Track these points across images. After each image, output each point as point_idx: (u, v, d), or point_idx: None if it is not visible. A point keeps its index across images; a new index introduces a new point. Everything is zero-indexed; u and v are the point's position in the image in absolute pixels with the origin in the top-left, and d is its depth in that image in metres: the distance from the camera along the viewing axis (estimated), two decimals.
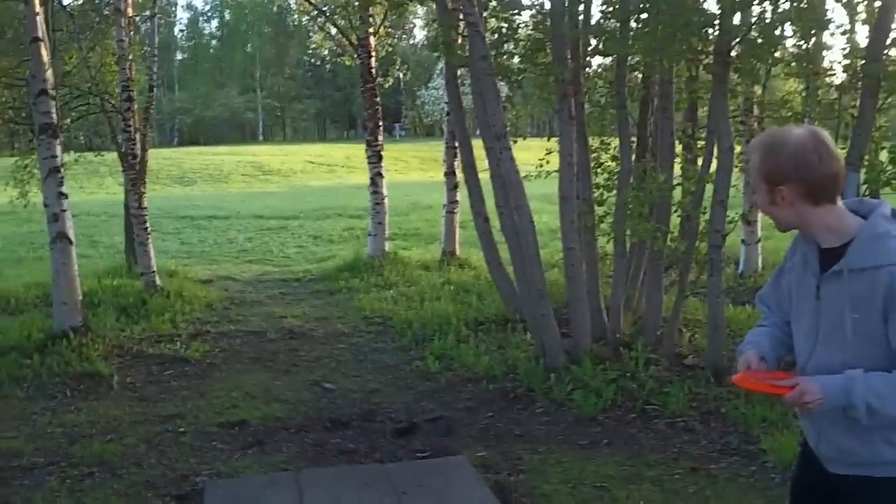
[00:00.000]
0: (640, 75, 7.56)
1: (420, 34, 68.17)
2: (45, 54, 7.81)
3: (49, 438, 5.51)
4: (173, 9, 71.61)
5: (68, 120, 11.15)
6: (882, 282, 2.08)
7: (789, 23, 5.90)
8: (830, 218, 2.20)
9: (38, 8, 7.76)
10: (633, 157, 7.21)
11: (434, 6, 8.00)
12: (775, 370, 2.37)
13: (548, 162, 7.51)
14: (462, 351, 7.19)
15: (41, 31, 7.80)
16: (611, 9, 6.82)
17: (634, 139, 7.49)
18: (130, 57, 10.45)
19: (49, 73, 7.89)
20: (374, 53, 12.85)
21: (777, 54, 6.56)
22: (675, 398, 5.61)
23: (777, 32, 5.85)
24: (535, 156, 8.42)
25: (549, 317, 6.54)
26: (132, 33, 11.23)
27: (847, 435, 2.23)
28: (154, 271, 10.46)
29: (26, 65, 8.49)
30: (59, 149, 7.97)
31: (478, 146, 7.43)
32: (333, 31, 14.37)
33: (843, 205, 2.22)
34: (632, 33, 6.42)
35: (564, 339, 6.72)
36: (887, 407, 2.10)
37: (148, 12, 12.53)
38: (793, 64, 6.92)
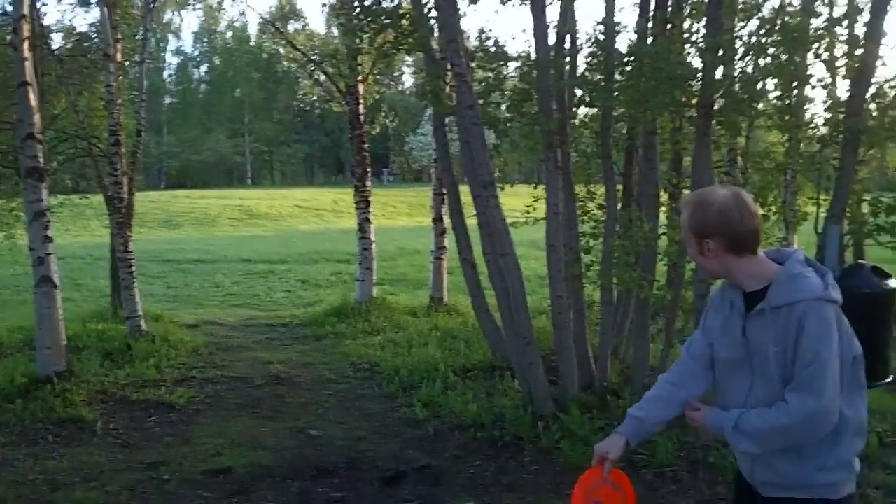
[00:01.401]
0: (624, 126, 7.69)
1: (409, 80, 68.90)
2: (32, 98, 7.87)
3: (31, 486, 5.44)
4: (162, 54, 72.14)
5: (55, 163, 11.18)
6: (796, 314, 2.35)
7: (771, 77, 6.03)
8: (751, 266, 2.48)
9: (26, 53, 7.83)
10: (619, 205, 7.30)
11: (422, 56, 8.11)
12: (626, 484, 2.65)
13: (535, 209, 7.57)
14: (449, 398, 7.18)
15: (29, 75, 7.86)
16: (595, 61, 6.96)
17: (620, 188, 7.58)
18: (119, 101, 10.52)
19: (36, 118, 7.94)
20: (362, 101, 12.99)
21: (760, 107, 6.70)
22: (662, 448, 5.60)
23: (759, 87, 5.98)
24: (522, 202, 8.49)
25: (537, 365, 6.55)
26: (121, 78, 11.32)
27: (783, 460, 2.47)
28: (140, 315, 10.41)
29: (14, 108, 8.54)
30: (45, 192, 7.99)
31: (465, 192, 7.49)
32: (322, 77, 14.53)
33: (762, 254, 2.50)
34: (616, 85, 6.53)
35: (552, 386, 6.73)
36: (756, 434, 2.42)
37: (137, 57, 12.61)
38: (775, 117, 7.05)
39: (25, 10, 7.85)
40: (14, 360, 8.84)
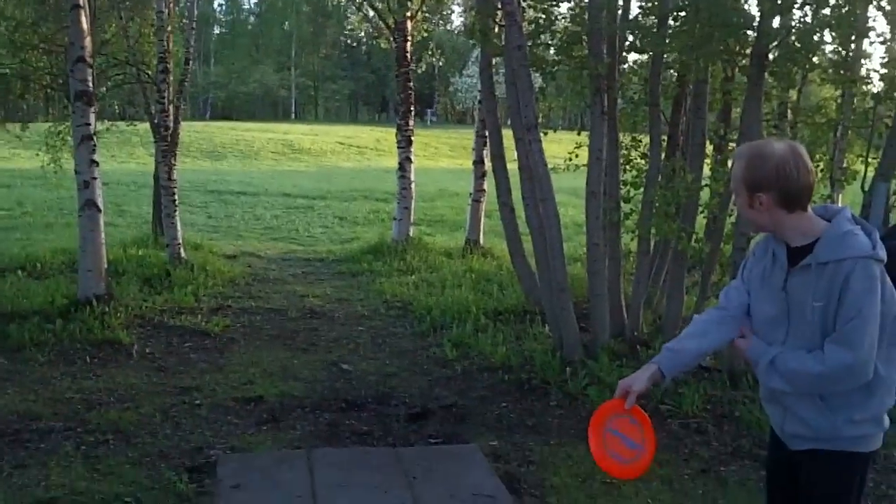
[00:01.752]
0: (674, 73, 7.50)
1: (458, 20, 67.92)
2: (84, 22, 7.87)
3: (67, 403, 5.59)
4: None
5: (104, 88, 11.25)
6: (843, 271, 2.34)
7: (828, 29, 5.81)
8: (801, 222, 2.45)
9: None
10: (663, 155, 7.16)
11: None
12: (647, 422, 2.56)
13: (577, 156, 7.47)
14: (480, 340, 7.20)
15: None
16: (649, 5, 6.77)
17: (665, 138, 7.43)
18: (169, 28, 10.53)
19: (87, 41, 7.95)
20: (410, 38, 12.83)
21: (815, 60, 6.47)
22: (689, 399, 5.58)
23: (816, 38, 5.76)
24: (565, 149, 8.38)
25: (569, 311, 6.53)
26: (171, 5, 11.30)
27: (813, 412, 2.49)
28: (180, 243, 10.56)
29: (65, 31, 8.57)
30: (93, 117, 8.04)
31: (508, 136, 7.41)
32: (371, 13, 14.37)
33: (811, 211, 2.47)
34: (669, 31, 6.36)
35: (583, 333, 6.71)
36: (791, 376, 2.44)
37: None
38: (830, 71, 6.82)
39: None
40: (56, 281, 9.04)
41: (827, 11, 5.67)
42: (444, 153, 39.90)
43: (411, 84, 13.06)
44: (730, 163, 6.84)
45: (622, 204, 7.05)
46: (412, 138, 13.13)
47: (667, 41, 6.33)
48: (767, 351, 2.49)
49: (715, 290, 6.92)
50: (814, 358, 2.39)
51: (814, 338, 2.42)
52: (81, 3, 7.84)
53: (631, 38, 6.89)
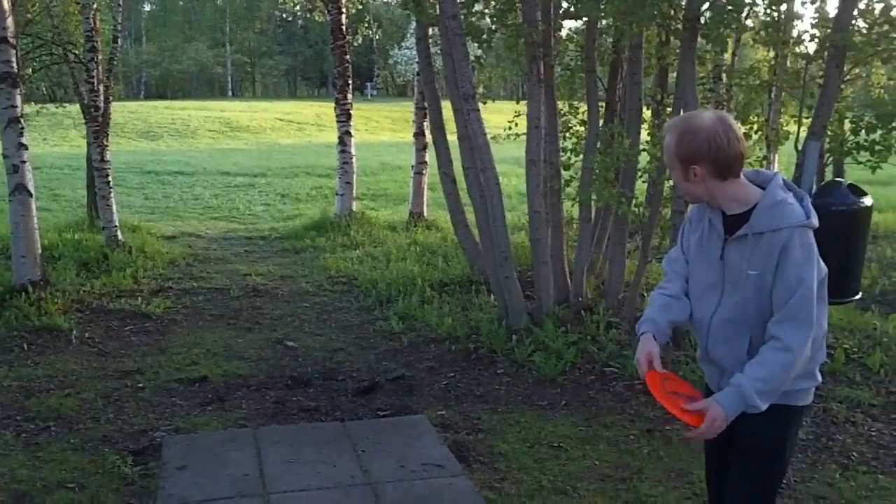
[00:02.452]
0: (610, 39, 7.53)
1: None
2: (5, 1, 7.60)
3: (5, 392, 5.45)
4: None
5: (30, 70, 10.90)
6: (779, 241, 2.40)
7: None
8: (735, 190, 2.51)
9: None
10: (601, 121, 7.21)
11: None
12: (681, 379, 2.68)
13: (517, 125, 7.49)
14: (426, 312, 7.21)
15: None
16: None
17: (603, 104, 7.48)
18: (95, 6, 10.19)
19: (10, 21, 7.69)
20: (344, 10, 12.67)
21: (748, 22, 6.56)
22: (633, 361, 5.66)
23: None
24: (505, 119, 8.39)
25: (513, 279, 6.57)
26: None
27: None
28: (116, 226, 10.32)
29: None
30: (18, 98, 7.79)
31: (447, 107, 7.38)
32: None
33: (743, 178, 2.53)
34: None
35: (527, 301, 6.76)
36: (774, 383, 2.43)
37: None
38: (762, 32, 6.92)
39: None
40: None
41: None
42: (386, 127, 39.59)
43: (348, 57, 12.92)
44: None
45: (562, 171, 7.09)
46: (351, 112, 13.00)
47: (601, 7, 6.33)
48: (742, 395, 2.41)
49: (656, 253, 7.03)
50: (776, 352, 2.42)
51: (745, 305, 2.50)
52: None
53: (566, 4, 6.90)
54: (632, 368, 5.60)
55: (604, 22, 6.98)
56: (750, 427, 2.53)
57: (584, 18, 6.85)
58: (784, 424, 2.60)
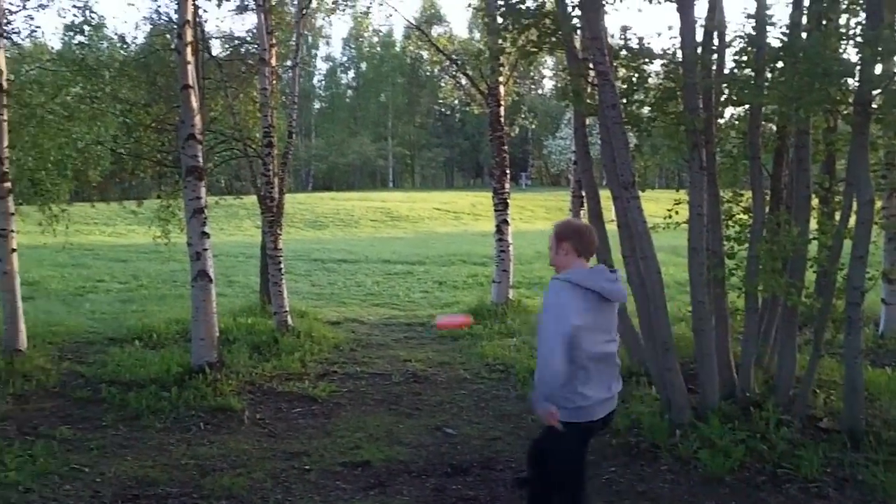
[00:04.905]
0: (774, 125, 7.36)
1: (549, 84, 68.57)
2: (194, 101, 8.33)
3: (182, 469, 5.77)
4: (313, 59, 75.11)
5: (211, 164, 11.82)
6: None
7: None
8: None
9: (189, 57, 8.31)
10: (767, 209, 7.00)
11: (564, 55, 8.06)
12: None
13: (676, 213, 7.38)
14: None
15: (191, 79, 8.33)
16: (745, 58, 6.70)
17: (768, 191, 7.27)
18: (272, 104, 11.00)
19: (197, 119, 8.40)
20: (502, 102, 13.04)
21: None
22: (808, 462, 5.34)
23: None
24: (663, 207, 8.28)
25: (676, 371, 6.38)
26: (274, 82, 11.83)
27: None
28: (286, 311, 10.86)
29: (176, 111, 9.06)
30: (203, 191, 8.43)
31: (605, 196, 7.40)
32: (464, 80, 14.70)
33: None
34: (766, 82, 6.27)
35: (691, 394, 6.53)
36: (544, 386, 3.75)
37: (290, 62, 13.16)
38: None
39: (189, 17, 8.34)
40: (170, 350, 9.39)
41: None
42: (540, 215, 39.89)
43: (505, 148, 13.23)
44: (837, 215, 6.62)
45: (726, 260, 6.90)
46: (508, 201, 13.23)
47: (765, 93, 6.23)
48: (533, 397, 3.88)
49: (829, 347, 6.65)
50: None
51: None
52: (191, 83, 8.31)
53: (727, 91, 6.82)
54: (806, 469, 5.28)
55: (767, 108, 6.84)
56: None
57: (747, 105, 6.75)
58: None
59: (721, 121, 7.39)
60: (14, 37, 9.71)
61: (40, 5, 10.07)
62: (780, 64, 6.12)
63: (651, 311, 6.44)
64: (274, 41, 11.64)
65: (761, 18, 6.38)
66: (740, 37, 6.66)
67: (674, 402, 6.34)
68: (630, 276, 6.77)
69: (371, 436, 6.59)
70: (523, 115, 17.15)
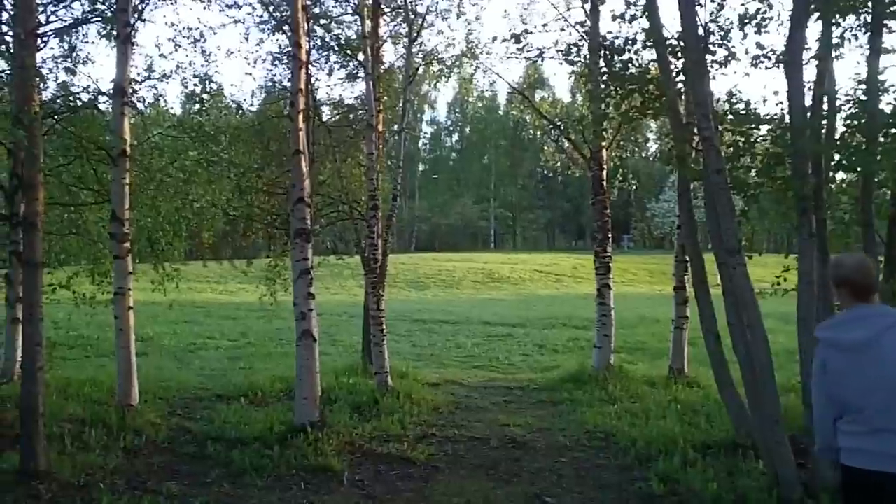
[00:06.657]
0: (888, 191, 7.12)
1: (652, 146, 68.08)
2: (304, 165, 8.67)
3: None
4: (419, 123, 76.96)
5: (318, 226, 12.21)
6: None
7: None
8: None
9: (301, 124, 8.68)
10: (881, 277, 6.73)
11: (668, 120, 8.05)
12: None
13: (785, 279, 7.18)
14: (689, 475, 6.87)
15: (302, 144, 8.68)
16: (856, 123, 6.54)
17: (882, 258, 7.00)
18: (378, 168, 11.32)
19: (307, 183, 8.72)
20: (605, 166, 13.04)
21: None
22: None
23: None
24: (770, 272, 8.08)
25: (784, 445, 6.13)
26: (381, 146, 12.20)
27: None
28: (387, 372, 10.98)
29: (286, 175, 9.43)
30: (310, 252, 8.70)
31: (709, 260, 7.27)
32: (566, 144, 14.79)
33: None
34: (880, 148, 6.10)
35: (801, 469, 6.25)
36: None
37: (396, 127, 13.56)
38: None
39: (302, 85, 8.74)
40: (274, 408, 9.61)
41: None
42: (643, 279, 39.28)
43: (608, 211, 13.17)
44: None
45: None
46: (610, 265, 13.12)
47: (878, 159, 6.06)
48: None
49: None
50: None
51: None
52: (302, 148, 8.66)
53: (837, 157, 6.66)
54: None
55: (881, 174, 6.64)
56: None
57: (859, 171, 6.57)
58: None
59: (831, 186, 7.20)
60: (139, 104, 10.37)
61: (164, 76, 10.77)
62: (893, 130, 5.95)
63: (758, 382, 6.23)
64: (381, 107, 12.04)
65: (873, 84, 6.24)
66: (851, 101, 6.53)
67: (782, 478, 6.08)
68: (736, 344, 6.59)
69: (469, 502, 6.54)
70: (621, 178, 17.02)
